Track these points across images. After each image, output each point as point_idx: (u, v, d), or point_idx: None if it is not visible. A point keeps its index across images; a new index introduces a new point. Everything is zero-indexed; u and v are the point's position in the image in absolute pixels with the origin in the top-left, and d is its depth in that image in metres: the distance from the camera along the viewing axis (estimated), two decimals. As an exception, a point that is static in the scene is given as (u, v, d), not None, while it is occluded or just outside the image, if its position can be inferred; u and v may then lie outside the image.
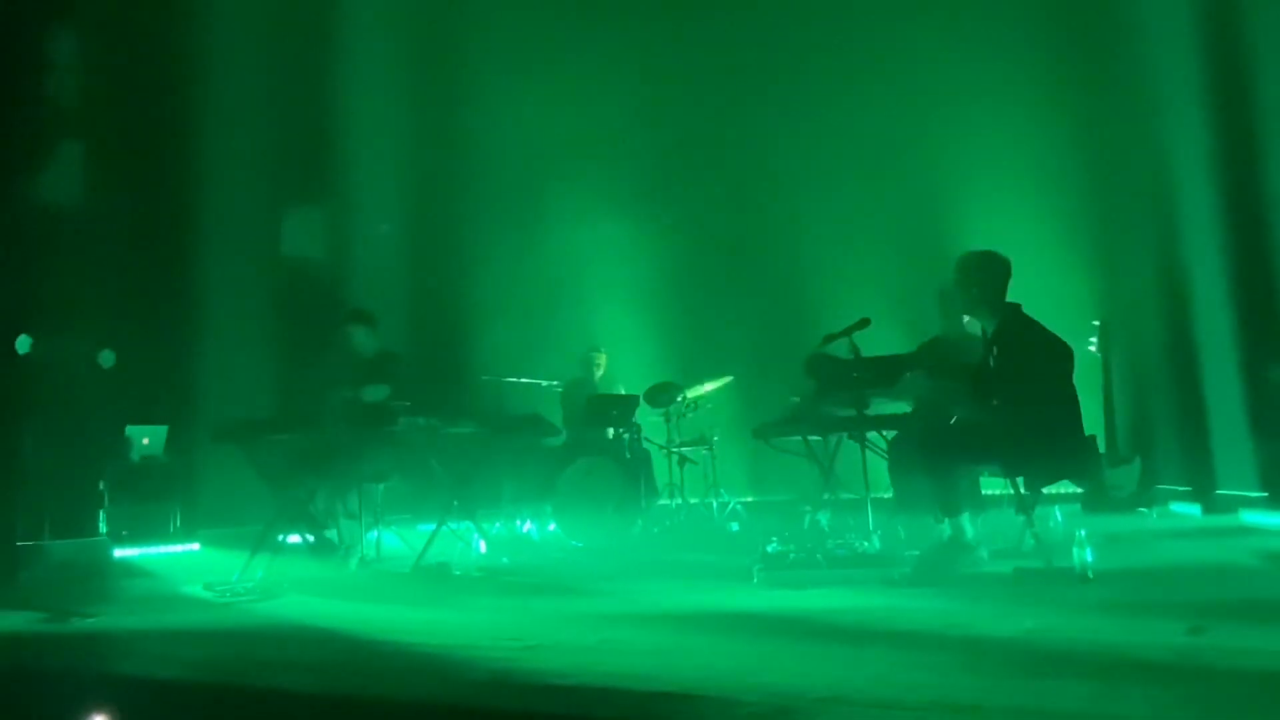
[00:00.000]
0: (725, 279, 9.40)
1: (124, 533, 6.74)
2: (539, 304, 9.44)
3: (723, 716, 2.49)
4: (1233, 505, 6.67)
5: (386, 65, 8.79)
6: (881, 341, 5.69)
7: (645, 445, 8.05)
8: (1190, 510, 7.12)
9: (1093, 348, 7.36)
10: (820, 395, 5.59)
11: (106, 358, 7.18)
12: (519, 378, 8.24)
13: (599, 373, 8.46)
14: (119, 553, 6.58)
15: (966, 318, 5.89)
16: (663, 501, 8.08)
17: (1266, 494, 6.70)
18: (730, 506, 7.84)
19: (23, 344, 6.72)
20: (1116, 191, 7.95)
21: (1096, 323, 7.46)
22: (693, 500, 8.09)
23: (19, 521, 6.23)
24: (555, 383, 8.36)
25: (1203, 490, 7.23)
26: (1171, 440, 7.53)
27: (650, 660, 3.23)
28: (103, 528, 6.79)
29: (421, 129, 9.06)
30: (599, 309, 9.29)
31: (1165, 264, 7.73)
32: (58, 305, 7.20)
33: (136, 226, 7.79)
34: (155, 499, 6.92)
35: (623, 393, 8.22)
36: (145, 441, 7.06)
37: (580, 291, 9.43)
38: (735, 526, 7.54)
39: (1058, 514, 6.33)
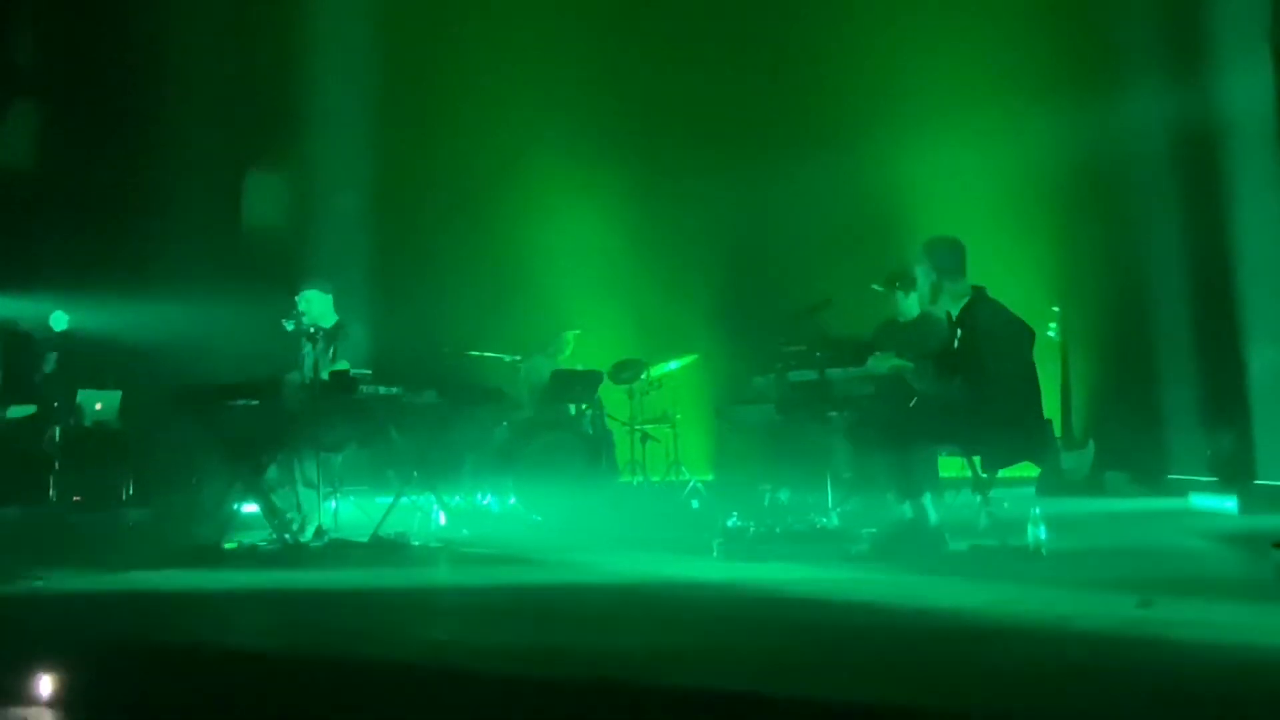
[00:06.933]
0: (690, 257, 9.38)
1: (74, 499, 6.60)
2: (503, 277, 9.37)
3: (679, 676, 2.50)
4: (1182, 489, 6.80)
5: (352, 32, 8.66)
6: (845, 321, 5.74)
7: (607, 422, 8.03)
8: (1142, 493, 7.26)
9: (1051, 333, 7.45)
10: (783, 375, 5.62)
11: (58, 319, 7.03)
12: (482, 351, 8.18)
13: (569, 350, 8.39)
14: (69, 519, 6.46)
15: (904, 301, 5.97)
16: (624, 479, 8.08)
17: (1215, 479, 6.85)
18: (691, 484, 7.86)
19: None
20: (1076, 180, 8.03)
21: (1055, 308, 7.56)
22: (654, 478, 8.10)
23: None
24: (517, 357, 8.30)
25: (1154, 474, 7.36)
26: (1125, 425, 7.65)
27: (605, 627, 3.24)
28: (52, 493, 6.65)
29: (386, 97, 8.94)
30: (564, 284, 9.24)
31: (1123, 251, 7.84)
32: (10, 266, 7.04)
33: (93, 188, 7.62)
34: (107, 465, 6.79)
35: (586, 369, 8.18)
36: (98, 407, 6.92)
37: (545, 266, 9.36)
38: (696, 504, 7.56)
39: (1012, 496, 6.41)
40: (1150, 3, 7.48)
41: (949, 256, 4.94)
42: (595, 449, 7.56)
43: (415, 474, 5.92)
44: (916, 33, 8.33)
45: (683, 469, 8.08)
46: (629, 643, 2.93)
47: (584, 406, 7.81)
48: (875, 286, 6.18)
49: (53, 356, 7.12)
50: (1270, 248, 6.69)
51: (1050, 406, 6.74)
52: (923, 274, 4.99)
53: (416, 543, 5.44)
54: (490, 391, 6.47)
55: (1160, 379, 7.58)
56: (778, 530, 5.18)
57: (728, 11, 9.03)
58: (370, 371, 5.72)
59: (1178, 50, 7.32)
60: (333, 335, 6.22)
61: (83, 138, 7.85)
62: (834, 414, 5.65)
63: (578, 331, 8.36)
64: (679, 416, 8.12)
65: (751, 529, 5.24)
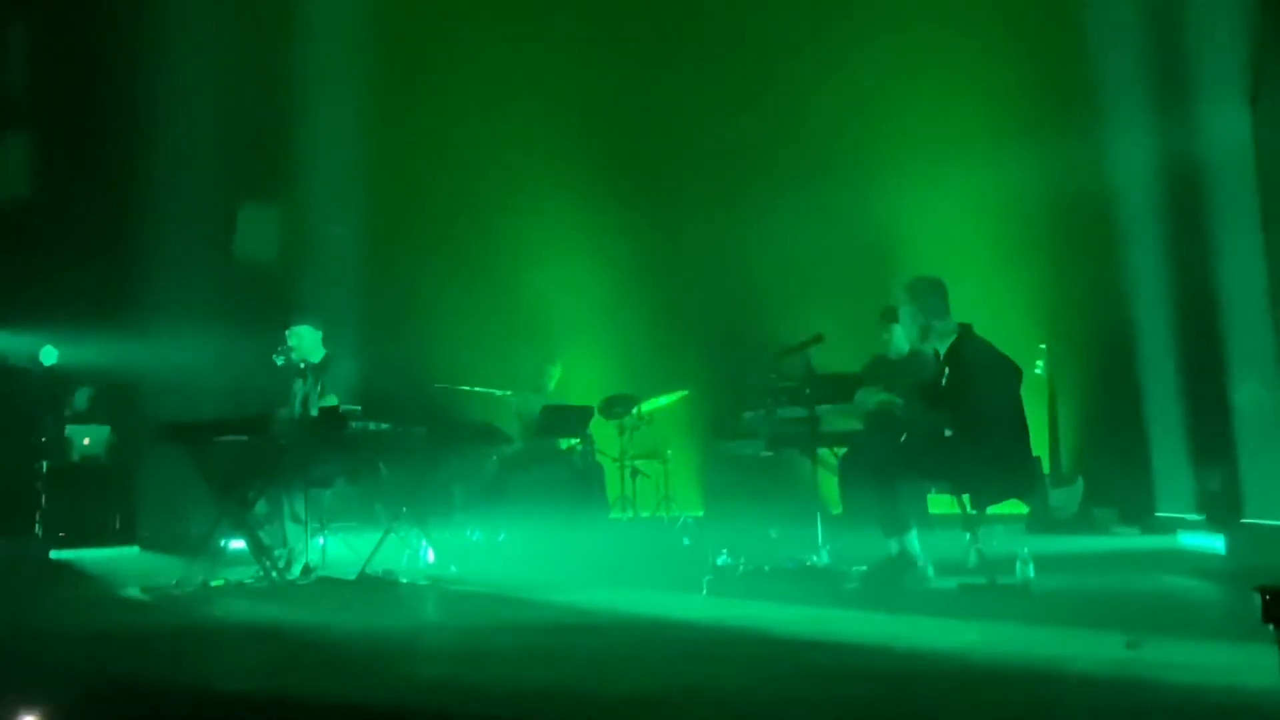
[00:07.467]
0: (681, 293, 9.41)
1: (61, 534, 6.56)
2: (493, 313, 9.39)
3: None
4: (1170, 527, 6.82)
5: (343, 64, 8.73)
6: (834, 358, 5.76)
7: (598, 457, 8.03)
8: (1130, 531, 7.26)
9: (1038, 370, 7.49)
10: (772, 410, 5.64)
11: (48, 354, 7.02)
12: (473, 386, 8.18)
13: (553, 384, 8.41)
14: (55, 554, 6.41)
15: (896, 336, 6.02)
16: (614, 514, 8.06)
17: (1203, 517, 6.86)
18: (681, 520, 7.84)
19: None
20: (1062, 218, 8.10)
21: (1043, 346, 7.60)
22: (644, 514, 8.08)
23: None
24: (508, 392, 8.31)
25: (1142, 512, 7.37)
26: (1113, 463, 7.66)
27: (595, 668, 3.23)
28: (38, 528, 6.60)
29: (378, 131, 8.99)
30: (555, 319, 9.26)
31: (1109, 288, 7.90)
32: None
33: (83, 222, 7.63)
34: (95, 500, 6.75)
35: (577, 404, 8.19)
36: (86, 442, 6.89)
37: (536, 301, 9.40)
38: (686, 540, 7.53)
39: (1001, 533, 6.41)
40: (1133, 42, 7.60)
41: (933, 297, 4.99)
42: (585, 484, 7.55)
43: (404, 510, 5.89)
44: (903, 70, 8.44)
45: (673, 505, 8.06)
46: (618, 686, 2.92)
47: (574, 441, 7.81)
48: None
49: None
50: (1255, 286, 6.74)
51: (1038, 444, 6.79)
52: (909, 316, 5.03)
53: (404, 580, 5.40)
54: (480, 427, 6.46)
55: (1148, 416, 7.61)
56: (767, 568, 5.17)
57: (716, 49, 9.14)
58: (360, 407, 5.71)
59: (1162, 89, 7.42)
60: (321, 370, 6.22)
61: (71, 172, 7.87)
62: (824, 450, 5.68)
63: (559, 365, 8.37)
64: (669, 452, 8.12)
65: (741, 566, 5.22)
